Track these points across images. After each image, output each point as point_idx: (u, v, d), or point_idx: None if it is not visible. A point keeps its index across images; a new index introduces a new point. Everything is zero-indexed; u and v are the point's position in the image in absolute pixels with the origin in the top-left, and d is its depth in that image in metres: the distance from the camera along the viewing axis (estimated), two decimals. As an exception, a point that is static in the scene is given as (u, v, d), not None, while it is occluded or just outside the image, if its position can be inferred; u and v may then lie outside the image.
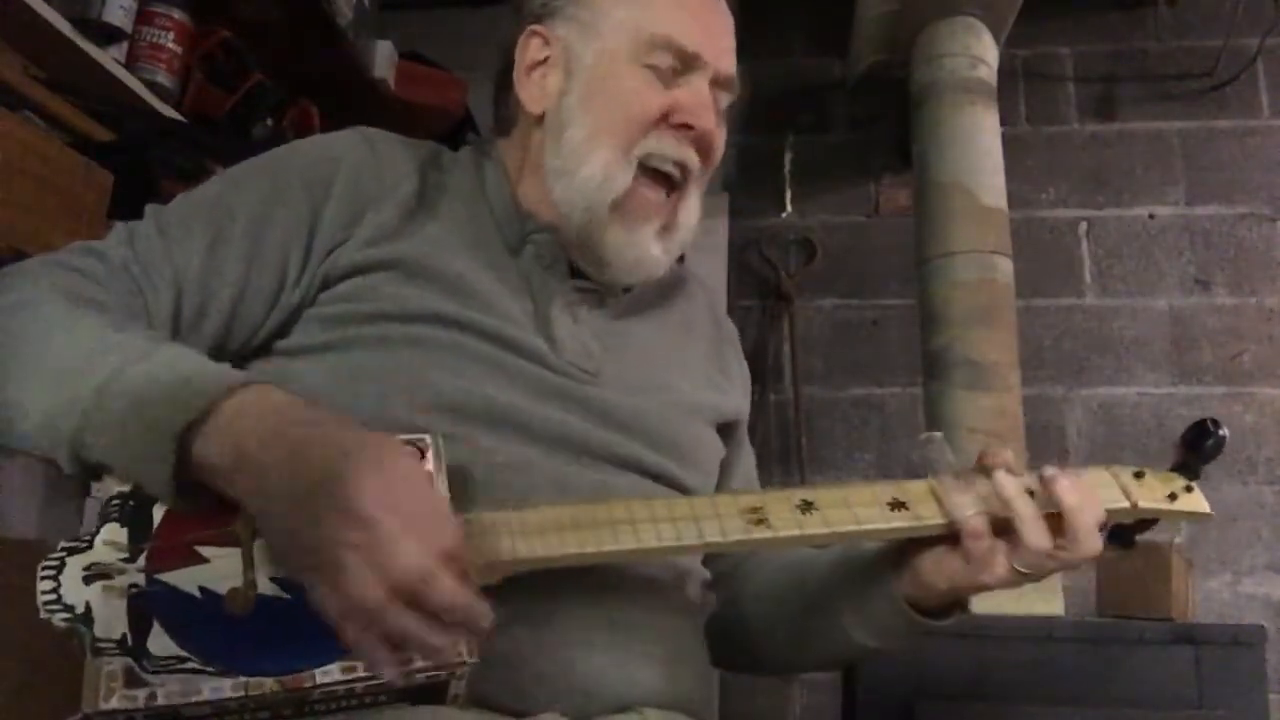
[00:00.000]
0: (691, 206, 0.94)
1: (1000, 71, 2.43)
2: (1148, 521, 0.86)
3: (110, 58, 1.57)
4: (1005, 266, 2.25)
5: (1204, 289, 2.62)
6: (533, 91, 0.93)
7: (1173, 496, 0.85)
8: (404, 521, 0.59)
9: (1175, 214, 2.67)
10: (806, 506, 0.76)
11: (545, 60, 0.93)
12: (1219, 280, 2.62)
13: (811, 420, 2.65)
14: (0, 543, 1.35)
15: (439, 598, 0.58)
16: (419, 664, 0.61)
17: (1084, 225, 2.69)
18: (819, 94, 2.78)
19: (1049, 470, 0.79)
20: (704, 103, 0.90)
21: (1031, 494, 0.78)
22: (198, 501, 0.65)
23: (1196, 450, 0.86)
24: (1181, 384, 2.56)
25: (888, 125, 2.73)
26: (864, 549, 0.89)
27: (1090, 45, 2.79)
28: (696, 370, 0.99)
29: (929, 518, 0.78)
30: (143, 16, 1.66)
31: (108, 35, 1.55)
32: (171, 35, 1.70)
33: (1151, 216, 2.68)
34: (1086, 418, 2.57)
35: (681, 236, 0.93)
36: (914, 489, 0.79)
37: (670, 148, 0.89)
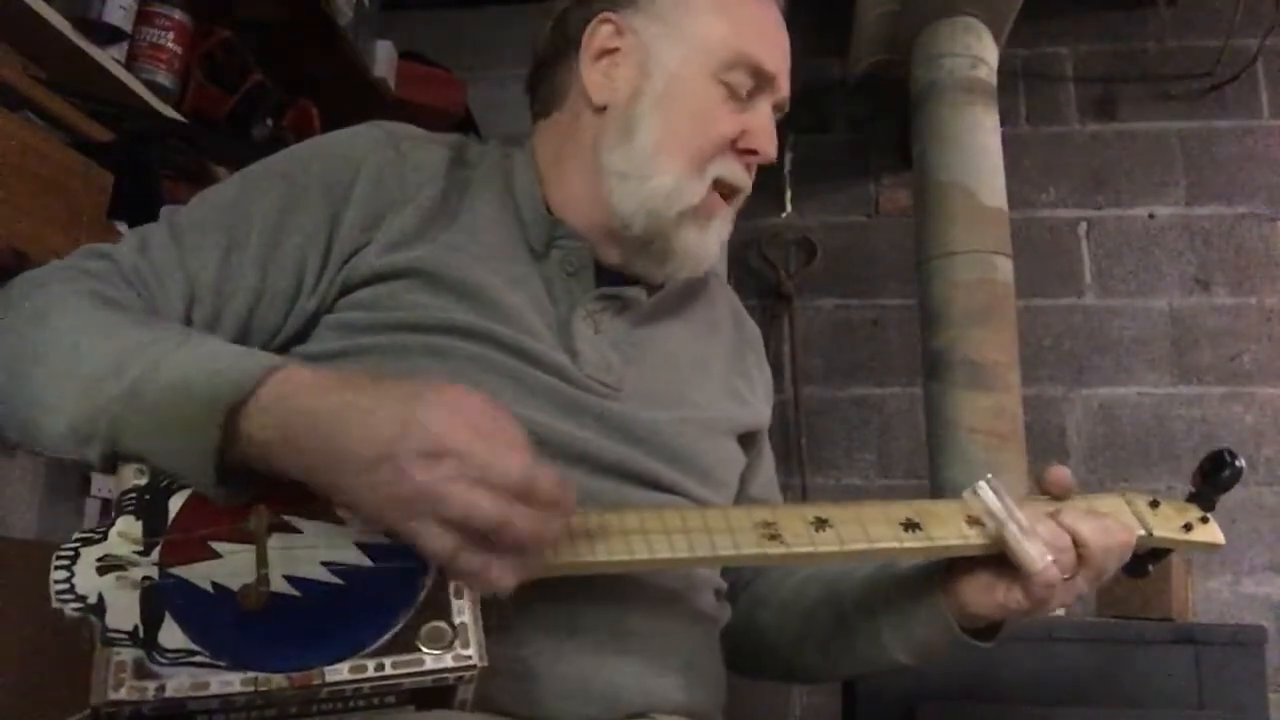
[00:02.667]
0: (730, 222, 0.96)
1: (1000, 71, 2.43)
2: (1161, 551, 0.87)
3: (110, 58, 1.57)
4: (1005, 266, 2.25)
5: (1204, 289, 2.62)
6: (598, 79, 0.91)
7: (1188, 527, 0.85)
8: (486, 438, 0.61)
9: (1175, 214, 2.67)
10: (820, 523, 0.76)
11: (614, 50, 0.91)
12: (1219, 280, 2.62)
13: (811, 420, 2.65)
14: (0, 542, 1.36)
15: (548, 487, 0.62)
16: (430, 665, 0.61)
17: (1084, 225, 2.70)
18: (819, 94, 2.78)
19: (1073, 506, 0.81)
20: (771, 130, 0.92)
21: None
22: (236, 488, 0.65)
23: (1213, 481, 0.86)
24: (1181, 384, 2.56)
25: (888, 125, 2.74)
26: (902, 567, 0.89)
27: (1090, 45, 2.79)
28: (718, 379, 0.98)
29: (942, 539, 0.78)
30: (142, 16, 1.66)
31: (108, 35, 1.55)
32: (171, 35, 1.70)
33: (1151, 216, 2.68)
34: (1086, 418, 2.57)
35: (720, 247, 0.96)
36: (941, 510, 0.79)
37: (738, 174, 0.91)
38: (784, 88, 0.93)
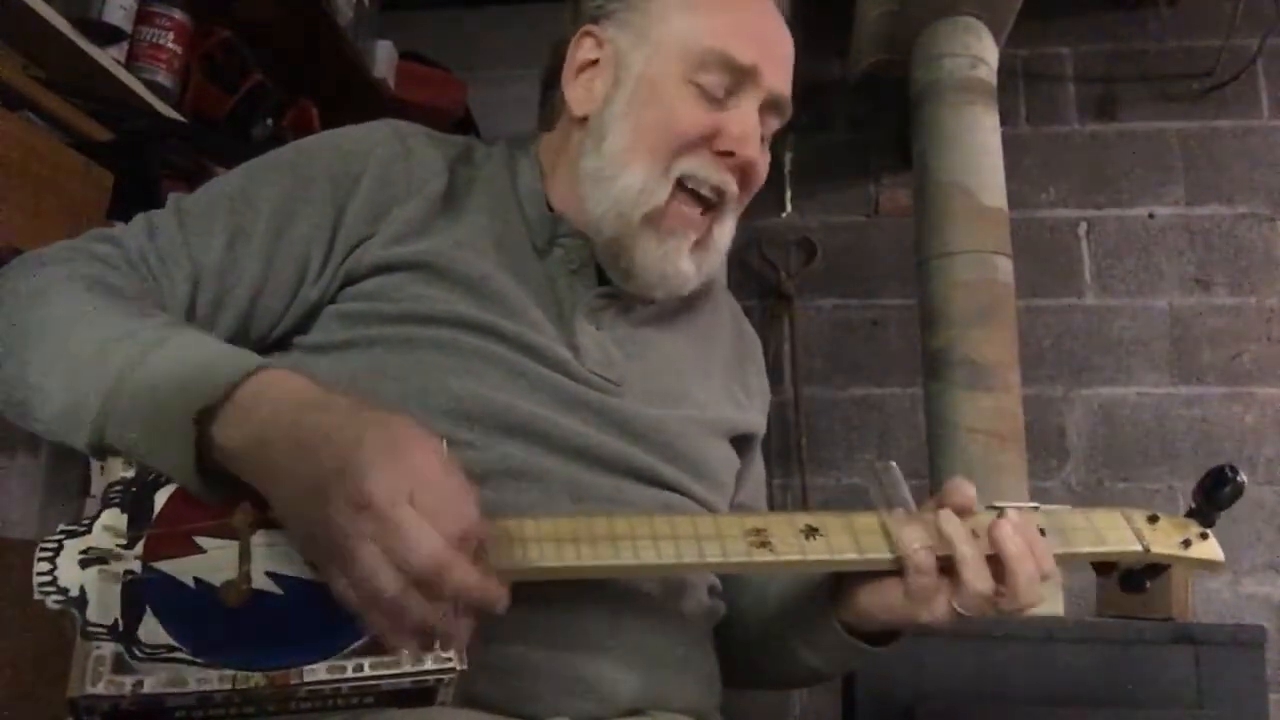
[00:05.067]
0: (727, 228, 0.92)
1: (1000, 71, 2.43)
2: (1159, 566, 0.86)
3: (110, 58, 1.57)
4: (1005, 266, 2.25)
5: (1204, 289, 2.62)
6: (578, 93, 0.92)
7: (1186, 543, 0.85)
8: (417, 510, 0.58)
9: (1175, 214, 2.67)
10: (810, 532, 0.76)
11: (595, 62, 0.92)
12: (1219, 280, 2.62)
13: (811, 420, 2.65)
14: (0, 543, 1.35)
15: (455, 585, 0.58)
16: (409, 667, 0.61)
17: (1084, 225, 2.70)
18: (819, 94, 2.78)
19: (1004, 513, 0.78)
20: (749, 129, 0.87)
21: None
22: (221, 486, 0.65)
23: (1213, 497, 0.85)
24: (1181, 384, 2.56)
25: (888, 125, 2.73)
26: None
27: (1090, 45, 2.79)
28: (716, 383, 0.98)
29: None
30: (142, 16, 1.66)
31: (108, 35, 1.55)
32: (171, 35, 1.70)
33: (1151, 216, 2.68)
34: (1086, 418, 2.57)
35: (715, 257, 0.92)
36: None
37: (710, 172, 0.87)
38: (771, 81, 0.89)
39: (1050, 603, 1.84)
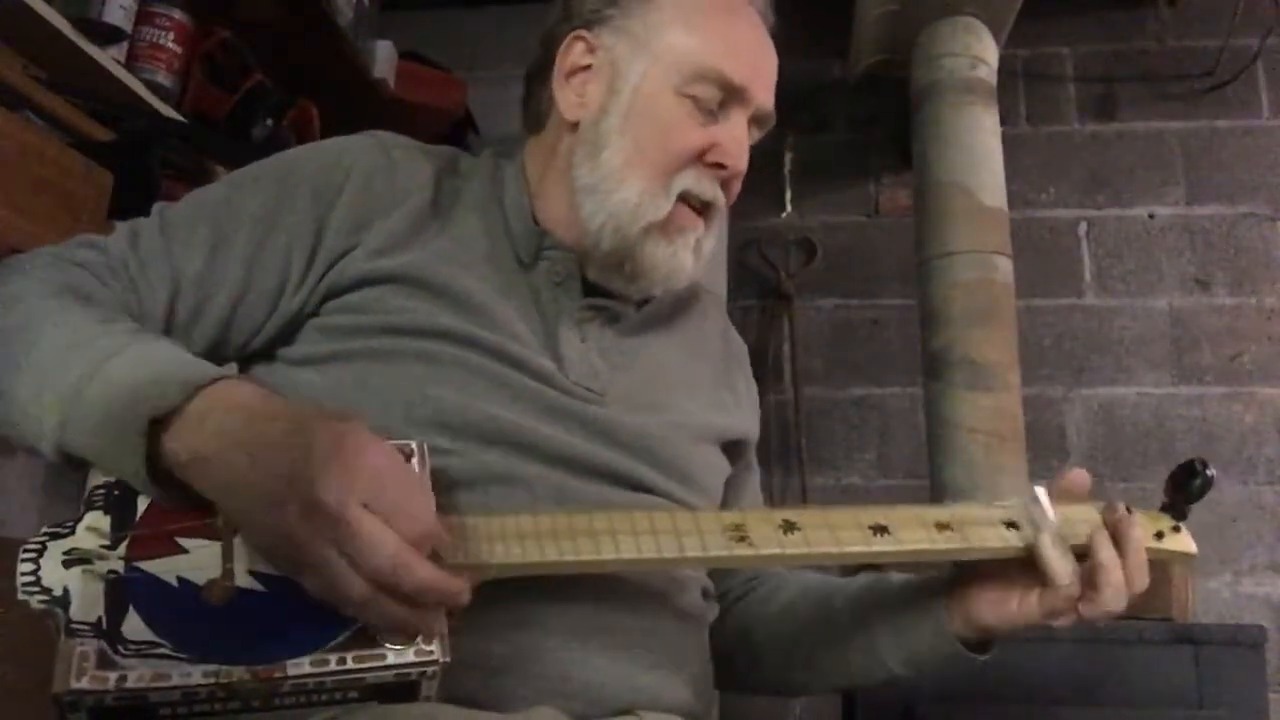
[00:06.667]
0: (713, 237, 0.94)
1: (1000, 71, 2.43)
2: None
3: (110, 58, 1.57)
4: (1005, 266, 2.25)
5: (1204, 289, 2.62)
6: (570, 98, 0.92)
7: (1159, 535, 0.86)
8: (371, 513, 0.60)
9: (1175, 214, 2.67)
10: (789, 526, 0.77)
11: (587, 68, 0.92)
12: (1219, 280, 2.61)
13: (811, 420, 2.64)
14: (0, 543, 1.35)
15: (413, 584, 0.60)
16: (391, 660, 0.61)
17: (1084, 225, 2.69)
18: (819, 94, 2.77)
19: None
20: (740, 144, 0.90)
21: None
22: (183, 493, 0.65)
23: (1184, 490, 0.86)
24: (1181, 384, 2.56)
25: (888, 125, 2.73)
26: (898, 579, 0.91)
27: (1090, 45, 2.79)
28: (704, 389, 0.99)
29: (912, 543, 0.78)
30: (143, 16, 1.66)
31: (108, 35, 1.55)
32: (171, 35, 1.71)
33: (1151, 216, 2.68)
34: (1086, 418, 2.57)
35: (703, 263, 0.94)
36: (906, 515, 0.80)
37: (705, 187, 0.90)
38: (759, 100, 0.91)
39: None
